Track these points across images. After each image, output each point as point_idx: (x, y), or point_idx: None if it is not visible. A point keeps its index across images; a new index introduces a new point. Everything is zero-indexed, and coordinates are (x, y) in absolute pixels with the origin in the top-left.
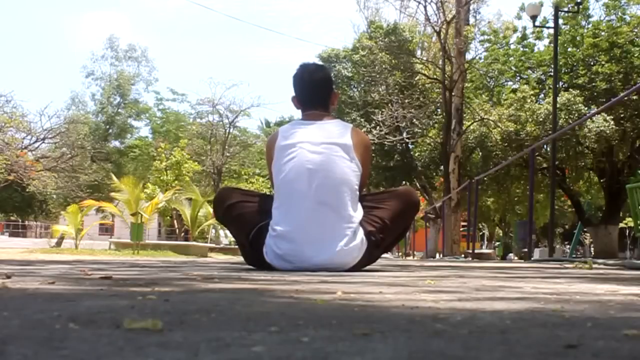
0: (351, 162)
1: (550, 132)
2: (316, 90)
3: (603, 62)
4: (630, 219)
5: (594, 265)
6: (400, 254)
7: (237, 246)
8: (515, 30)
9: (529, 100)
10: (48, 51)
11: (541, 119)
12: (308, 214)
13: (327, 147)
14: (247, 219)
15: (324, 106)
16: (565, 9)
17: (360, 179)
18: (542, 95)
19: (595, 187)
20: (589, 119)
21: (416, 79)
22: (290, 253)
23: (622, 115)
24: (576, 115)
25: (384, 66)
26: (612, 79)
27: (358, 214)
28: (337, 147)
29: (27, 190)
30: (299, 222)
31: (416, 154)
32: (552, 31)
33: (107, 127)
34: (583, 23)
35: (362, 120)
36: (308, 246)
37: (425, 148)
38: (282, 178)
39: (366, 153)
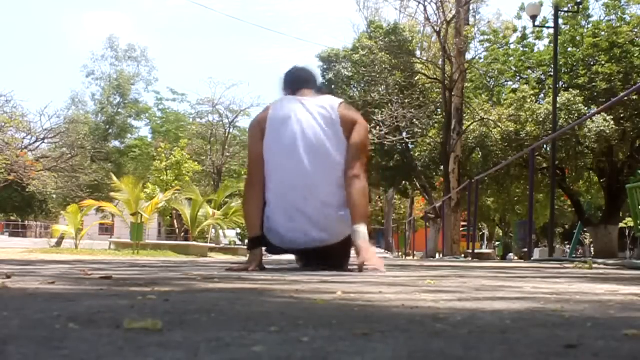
0: (337, 138)
1: (550, 132)
2: (304, 77)
3: (603, 62)
4: (630, 219)
5: (594, 265)
6: (400, 253)
7: (236, 246)
8: (515, 30)
9: (529, 100)
10: (48, 51)
11: (541, 119)
12: (299, 192)
13: (316, 124)
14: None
15: (312, 90)
16: (565, 9)
17: (349, 152)
18: (542, 95)
19: (595, 187)
20: (589, 119)
21: (416, 79)
22: (284, 232)
23: (622, 115)
24: (576, 115)
25: (384, 66)
26: (612, 79)
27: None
28: (325, 125)
29: (27, 190)
30: (290, 200)
31: (416, 154)
32: (552, 31)
33: (107, 127)
34: (583, 23)
35: None
36: (301, 224)
37: (425, 148)
38: (270, 158)
39: (354, 128)
